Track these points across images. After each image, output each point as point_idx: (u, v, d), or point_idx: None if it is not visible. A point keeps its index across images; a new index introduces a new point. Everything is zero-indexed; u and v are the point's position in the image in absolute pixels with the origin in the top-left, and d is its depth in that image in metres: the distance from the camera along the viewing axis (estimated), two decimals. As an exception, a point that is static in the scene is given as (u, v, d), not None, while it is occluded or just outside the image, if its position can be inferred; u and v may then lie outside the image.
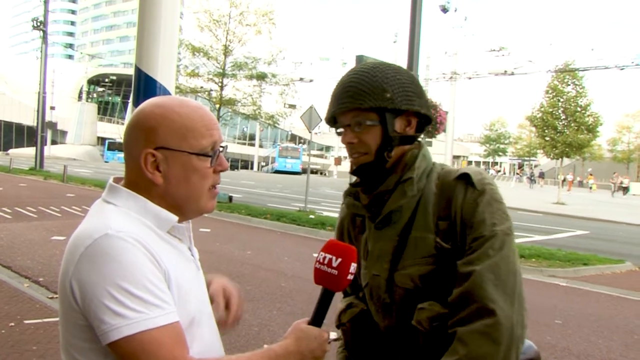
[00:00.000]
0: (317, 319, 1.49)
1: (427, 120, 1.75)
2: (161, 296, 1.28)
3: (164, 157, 1.38)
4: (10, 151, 67.11)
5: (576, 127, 30.35)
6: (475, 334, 1.48)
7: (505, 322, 1.48)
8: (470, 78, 49.77)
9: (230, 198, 19.92)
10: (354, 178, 1.83)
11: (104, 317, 1.22)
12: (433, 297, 1.61)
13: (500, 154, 74.80)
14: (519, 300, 1.53)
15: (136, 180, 1.41)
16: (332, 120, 1.75)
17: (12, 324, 5.77)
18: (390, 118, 1.66)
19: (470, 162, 77.49)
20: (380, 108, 1.64)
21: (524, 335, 1.54)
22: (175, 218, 1.42)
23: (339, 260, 1.48)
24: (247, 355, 1.36)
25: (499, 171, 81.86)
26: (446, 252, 1.61)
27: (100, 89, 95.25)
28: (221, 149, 1.46)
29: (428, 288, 1.62)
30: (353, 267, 1.48)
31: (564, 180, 57.21)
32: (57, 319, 5.82)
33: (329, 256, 1.50)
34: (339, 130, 1.75)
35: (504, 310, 1.49)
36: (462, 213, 1.59)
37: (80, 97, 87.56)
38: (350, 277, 1.48)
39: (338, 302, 1.80)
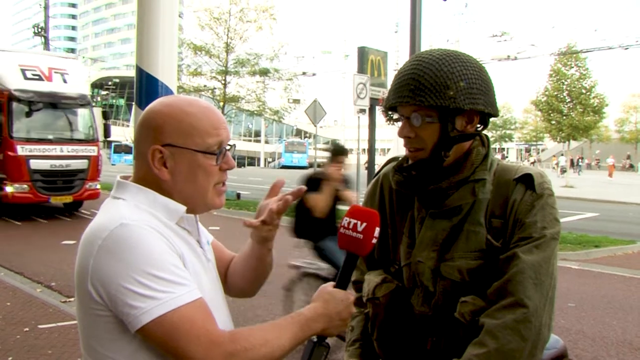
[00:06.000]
0: (342, 283, 1.53)
1: (492, 114, 1.68)
2: (183, 275, 1.32)
3: (170, 154, 1.42)
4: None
5: (582, 110, 30.21)
6: (507, 329, 1.49)
7: (535, 321, 1.50)
8: (473, 65, 49.46)
9: (239, 195, 19.94)
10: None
11: (133, 302, 1.25)
12: (475, 292, 1.61)
13: (507, 139, 74.44)
14: (551, 303, 1.55)
15: (145, 177, 1.45)
16: (391, 107, 1.70)
17: (27, 329, 5.80)
18: (451, 117, 1.60)
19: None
20: (441, 107, 1.57)
21: (548, 337, 1.56)
22: (184, 208, 1.45)
23: (364, 224, 1.49)
24: (279, 321, 1.41)
25: (506, 157, 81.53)
26: (496, 249, 1.61)
27: (104, 92, 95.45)
28: (228, 147, 1.49)
29: (473, 282, 1.62)
30: (377, 231, 1.50)
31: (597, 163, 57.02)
32: (71, 322, 5.89)
33: (354, 221, 1.51)
34: (395, 117, 1.72)
35: (536, 309, 1.51)
36: (516, 213, 1.60)
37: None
38: (374, 241, 1.50)
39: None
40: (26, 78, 14.54)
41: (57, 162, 14.46)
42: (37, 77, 14.74)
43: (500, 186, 1.65)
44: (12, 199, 13.83)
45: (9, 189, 13.73)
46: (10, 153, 13.83)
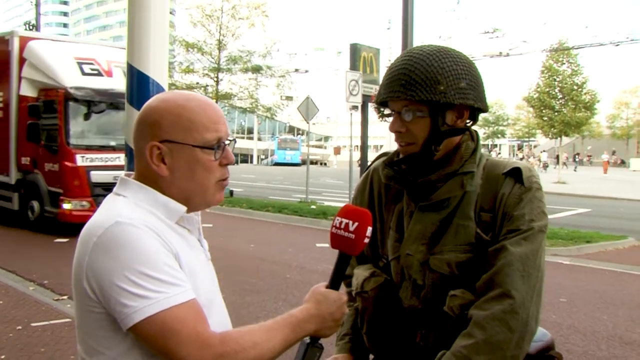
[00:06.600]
0: (334, 283, 1.52)
1: (482, 109, 1.70)
2: (177, 275, 1.31)
3: (168, 150, 1.40)
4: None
5: (573, 106, 30.33)
6: (494, 320, 1.51)
7: (522, 313, 1.52)
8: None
9: (232, 192, 19.92)
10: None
11: (125, 300, 1.25)
12: (464, 285, 1.62)
13: (499, 136, 74.62)
14: (538, 295, 1.57)
15: (144, 174, 1.44)
16: (382, 103, 1.72)
17: (20, 327, 5.79)
18: (441, 112, 1.62)
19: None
20: (432, 101, 1.59)
21: (536, 330, 1.58)
22: (184, 208, 1.44)
23: (356, 224, 1.48)
24: (270, 322, 1.40)
25: (499, 154, 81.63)
26: (485, 243, 1.62)
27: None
28: (228, 142, 1.47)
29: (462, 276, 1.63)
30: (369, 230, 1.49)
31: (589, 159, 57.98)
32: (64, 320, 5.88)
33: (345, 220, 1.50)
34: (386, 112, 1.73)
35: (523, 301, 1.53)
36: (505, 206, 1.62)
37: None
38: (366, 240, 1.49)
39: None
40: (84, 73, 12.09)
41: (121, 174, 12.08)
42: (95, 72, 12.30)
43: (490, 181, 1.67)
44: (71, 217, 11.36)
45: (66, 205, 11.44)
46: (68, 164, 11.52)
